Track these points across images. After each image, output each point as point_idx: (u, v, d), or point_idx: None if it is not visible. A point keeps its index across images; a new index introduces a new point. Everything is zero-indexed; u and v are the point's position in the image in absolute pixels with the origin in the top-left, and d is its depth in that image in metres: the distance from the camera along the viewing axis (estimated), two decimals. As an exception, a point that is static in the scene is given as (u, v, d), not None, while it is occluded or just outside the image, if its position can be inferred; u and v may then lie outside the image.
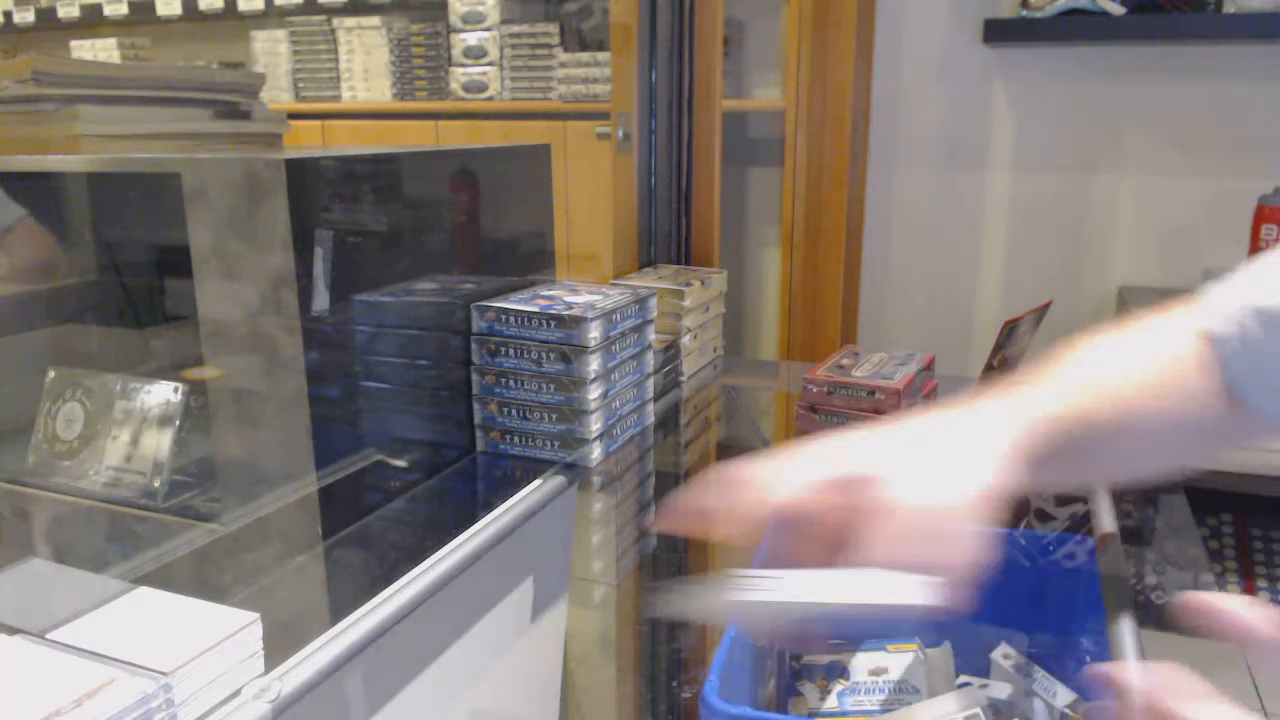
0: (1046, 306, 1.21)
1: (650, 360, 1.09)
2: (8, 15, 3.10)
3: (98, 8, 2.95)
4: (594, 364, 0.94)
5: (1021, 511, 0.88)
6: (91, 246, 1.11)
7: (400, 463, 0.93)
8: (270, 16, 2.77)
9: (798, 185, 2.10)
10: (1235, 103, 1.92)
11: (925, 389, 1.16)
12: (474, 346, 0.98)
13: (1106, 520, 0.79)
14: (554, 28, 2.40)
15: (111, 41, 2.95)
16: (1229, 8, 1.82)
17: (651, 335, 1.08)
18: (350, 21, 2.67)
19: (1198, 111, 1.95)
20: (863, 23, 2.04)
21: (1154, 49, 1.96)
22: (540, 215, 1.15)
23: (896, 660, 0.59)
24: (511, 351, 0.96)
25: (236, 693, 0.53)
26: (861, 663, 0.60)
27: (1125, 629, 0.60)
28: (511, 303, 0.97)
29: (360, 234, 0.85)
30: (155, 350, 1.06)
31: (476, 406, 0.99)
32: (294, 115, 1.45)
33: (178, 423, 0.85)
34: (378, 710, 0.64)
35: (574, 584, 0.87)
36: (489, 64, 2.47)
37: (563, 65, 2.39)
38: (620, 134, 1.41)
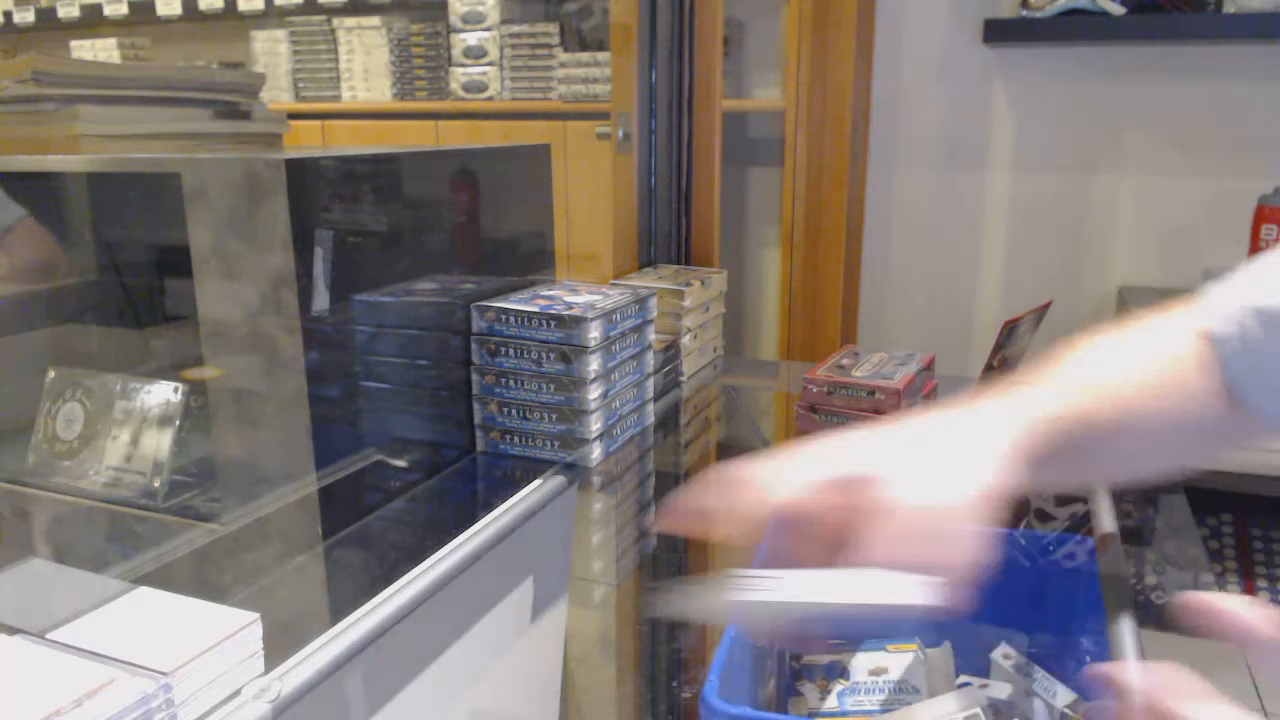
0: (1046, 306, 1.21)
1: (650, 360, 1.09)
2: (8, 15, 3.10)
3: (98, 8, 2.95)
4: (594, 364, 0.94)
5: (1021, 511, 0.88)
6: (91, 246, 1.11)
7: (400, 463, 0.93)
8: (270, 16, 2.77)
9: (798, 185, 2.10)
10: (1235, 103, 1.92)
11: (925, 389, 1.16)
12: (474, 346, 0.98)
13: (1106, 520, 0.79)
14: (554, 28, 2.40)
15: (111, 41, 2.95)
16: (1229, 8, 1.82)
17: (651, 335, 1.08)
18: (350, 21, 2.67)
19: (1198, 111, 1.95)
20: (863, 23, 2.04)
21: (1154, 49, 1.96)
22: (540, 215, 1.15)
23: (896, 660, 0.59)
24: (511, 351, 0.96)
25: (236, 693, 0.53)
26: (861, 663, 0.60)
27: (1125, 629, 0.60)
28: (511, 303, 0.97)
29: (360, 234, 0.85)
30: (155, 350, 1.06)
31: (476, 406, 0.99)
32: (294, 115, 1.45)
33: (178, 423, 0.85)
34: (378, 710, 0.64)
35: (574, 584, 0.87)
36: (489, 64, 2.47)
37: (563, 65, 2.39)
38: (620, 134, 1.41)
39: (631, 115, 1.41)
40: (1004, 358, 1.14)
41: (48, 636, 0.51)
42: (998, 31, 1.98)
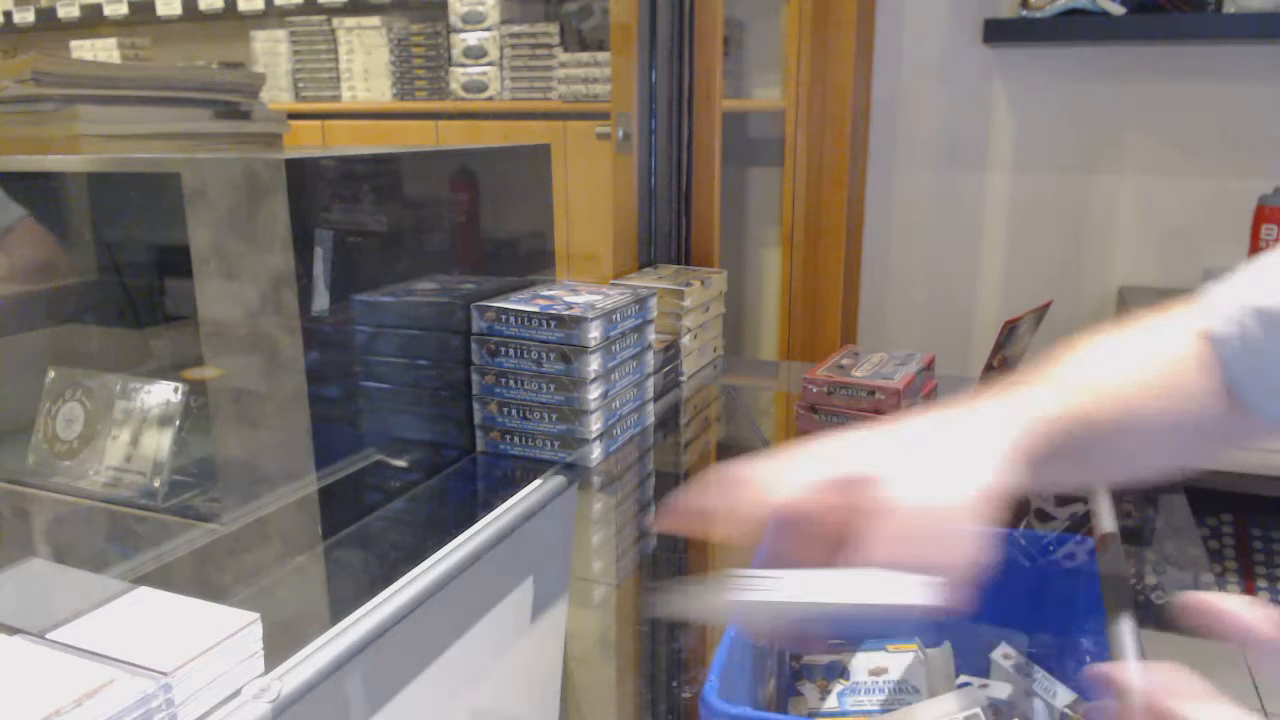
0: (1046, 306, 1.21)
1: (650, 360, 1.09)
2: (8, 15, 3.10)
3: (98, 8, 2.95)
4: (594, 364, 0.94)
5: (1021, 511, 0.88)
6: (91, 246, 1.11)
7: (400, 463, 0.93)
8: (270, 16, 2.77)
9: (798, 185, 2.10)
10: (1235, 103, 1.92)
11: (925, 389, 1.16)
12: (474, 346, 0.98)
13: (1106, 520, 0.79)
14: (554, 28, 2.40)
15: (111, 41, 2.95)
16: (1229, 8, 1.82)
17: (651, 335, 1.08)
18: (350, 21, 2.67)
19: (1198, 111, 1.95)
20: (863, 23, 2.04)
21: (1154, 49, 1.96)
22: (540, 215, 1.15)
23: (896, 660, 0.59)
24: (511, 351, 0.96)
25: (236, 693, 0.53)
26: (861, 663, 0.60)
27: (1125, 629, 0.60)
28: (511, 303, 0.97)
29: (360, 234, 0.85)
30: (155, 350, 1.06)
31: (476, 406, 0.99)
32: (294, 115, 1.45)
33: (178, 423, 0.85)
34: (378, 710, 0.64)
35: (574, 584, 0.87)
36: (489, 64, 2.47)
37: (563, 65, 2.39)
38: (620, 134, 1.41)
39: (631, 115, 1.41)
40: (1004, 358, 1.14)
41: (48, 636, 0.51)
42: (998, 31, 1.98)
